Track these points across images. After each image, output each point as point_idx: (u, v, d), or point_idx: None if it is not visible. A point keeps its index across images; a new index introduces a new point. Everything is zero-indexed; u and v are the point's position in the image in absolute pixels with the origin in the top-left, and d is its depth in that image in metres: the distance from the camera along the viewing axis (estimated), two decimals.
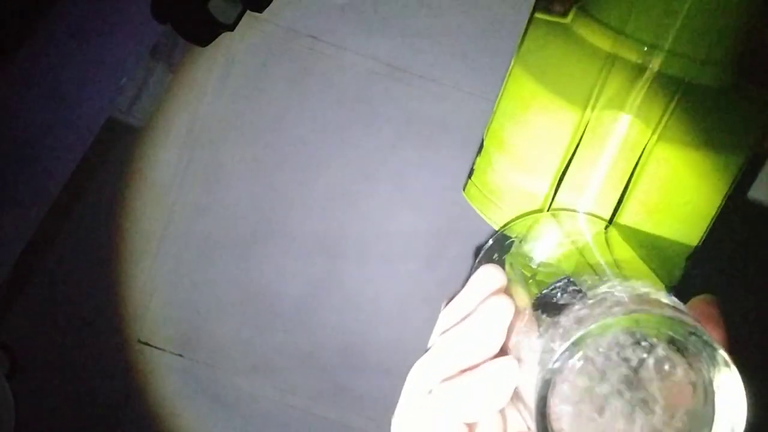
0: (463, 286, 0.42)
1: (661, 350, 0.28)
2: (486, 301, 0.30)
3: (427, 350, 0.32)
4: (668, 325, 0.27)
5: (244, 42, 1.00)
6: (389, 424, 1.04)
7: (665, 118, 0.42)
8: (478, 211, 0.53)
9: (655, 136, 0.43)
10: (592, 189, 0.44)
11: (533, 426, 0.27)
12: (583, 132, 0.43)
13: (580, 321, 0.27)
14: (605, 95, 0.43)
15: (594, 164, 0.44)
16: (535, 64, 0.47)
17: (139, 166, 0.99)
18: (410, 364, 1.04)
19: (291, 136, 0.99)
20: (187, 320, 0.99)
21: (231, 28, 0.96)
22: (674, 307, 0.28)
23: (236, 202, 0.99)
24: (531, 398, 0.27)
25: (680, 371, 0.28)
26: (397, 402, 1.01)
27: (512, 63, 0.50)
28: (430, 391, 0.30)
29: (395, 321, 0.98)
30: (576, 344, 0.26)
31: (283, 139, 0.99)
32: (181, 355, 0.99)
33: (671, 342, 0.27)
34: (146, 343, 0.99)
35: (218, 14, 0.93)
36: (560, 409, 0.27)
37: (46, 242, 0.97)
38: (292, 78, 1.00)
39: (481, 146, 0.52)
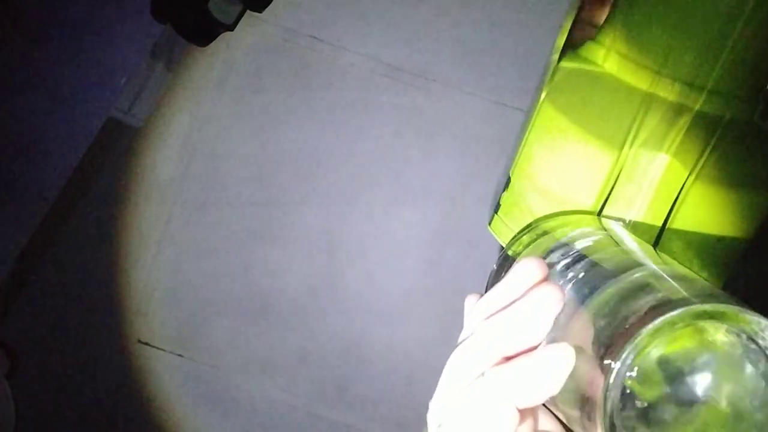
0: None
1: (734, 345, 0.27)
2: (536, 288, 0.30)
3: (459, 343, 0.32)
4: (738, 318, 0.26)
5: (244, 42, 1.00)
6: (390, 424, 1.04)
7: (703, 158, 0.42)
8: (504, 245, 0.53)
9: (693, 177, 0.42)
10: (629, 228, 0.44)
11: (598, 424, 0.26)
12: (620, 172, 0.43)
13: (643, 317, 0.26)
14: (642, 135, 0.42)
15: (630, 205, 0.43)
16: (568, 103, 0.46)
17: (139, 166, 0.99)
18: (409, 364, 1.04)
19: (291, 136, 0.99)
20: (187, 320, 0.99)
21: (231, 28, 0.96)
22: (739, 303, 0.27)
23: (235, 201, 0.99)
24: (595, 393, 0.27)
25: (752, 366, 0.27)
26: (397, 401, 1.01)
27: (540, 99, 0.49)
28: (482, 375, 0.29)
29: (395, 321, 0.98)
30: (644, 343, 0.26)
31: (283, 139, 0.99)
32: (181, 355, 0.99)
33: (742, 335, 0.27)
34: (146, 343, 0.99)
35: (218, 14, 0.93)
36: (628, 411, 0.27)
37: (46, 242, 0.97)
38: (292, 78, 1.00)
39: (508, 182, 0.52)
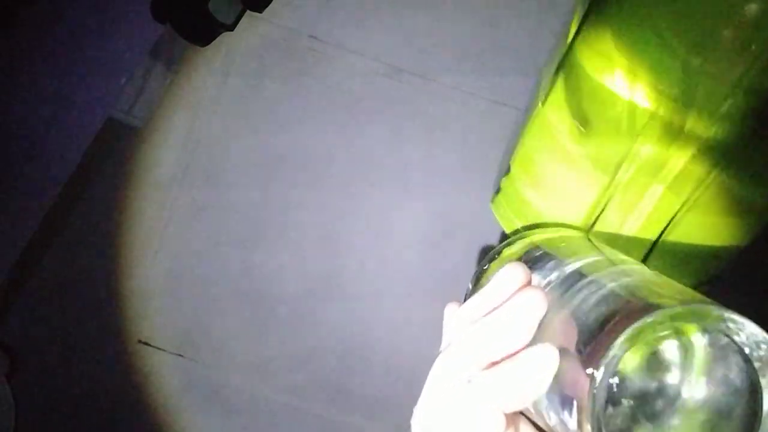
0: (469, 287, 0.42)
1: (713, 343, 0.28)
2: (520, 292, 0.30)
3: (442, 350, 0.32)
4: (715, 317, 0.26)
5: (244, 42, 1.00)
6: (390, 424, 1.04)
7: (699, 190, 0.40)
8: (503, 226, 0.53)
9: (686, 208, 0.41)
10: (618, 245, 0.43)
11: (584, 426, 0.27)
12: (612, 195, 0.42)
13: (624, 320, 0.27)
14: (638, 162, 0.41)
15: (620, 226, 0.43)
16: (564, 115, 0.44)
17: (139, 166, 0.99)
18: (410, 364, 1.04)
19: (291, 136, 0.99)
20: (187, 320, 0.99)
21: (231, 28, 0.96)
22: (715, 303, 0.27)
23: (236, 201, 0.99)
24: (579, 394, 0.27)
25: (730, 363, 0.28)
26: (397, 401, 1.00)
27: (539, 101, 0.48)
28: (468, 380, 0.29)
29: (395, 321, 0.98)
30: (626, 345, 0.26)
31: (283, 139, 0.99)
32: (181, 355, 0.98)
33: (720, 334, 0.27)
34: (146, 343, 0.99)
35: (218, 14, 0.93)
36: (613, 412, 0.27)
37: (46, 242, 0.97)
38: (292, 78, 1.00)
39: (508, 169, 0.52)
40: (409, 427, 0.34)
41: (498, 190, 0.54)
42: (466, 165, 0.98)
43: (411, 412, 0.35)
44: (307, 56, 0.99)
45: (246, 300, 0.99)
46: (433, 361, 0.33)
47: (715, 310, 0.26)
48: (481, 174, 0.99)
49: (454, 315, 0.33)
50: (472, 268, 0.97)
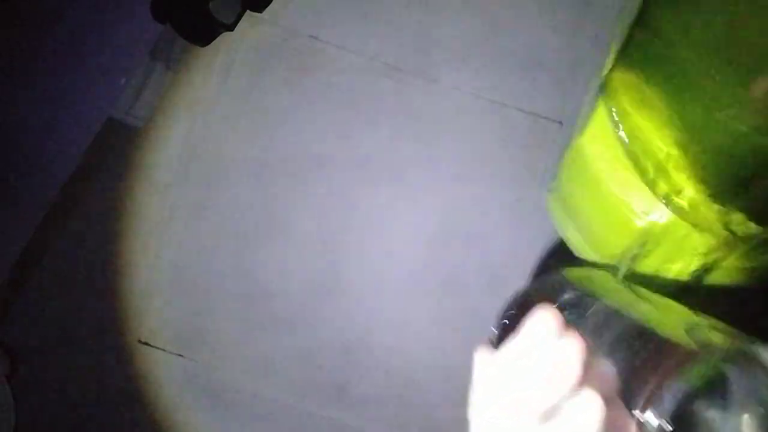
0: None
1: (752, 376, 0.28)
2: (559, 341, 0.30)
3: (476, 397, 0.31)
4: (747, 352, 0.28)
5: (244, 42, 1.00)
6: (390, 424, 1.04)
7: (741, 241, 0.41)
8: (555, 224, 0.54)
9: (725, 254, 0.41)
10: (655, 285, 0.43)
11: None
12: (648, 237, 0.42)
13: (664, 367, 0.28)
14: (675, 209, 0.41)
15: (657, 268, 0.43)
16: (602, 153, 0.45)
17: (139, 166, 0.99)
18: (410, 364, 1.04)
19: (291, 136, 0.99)
20: (187, 320, 0.99)
21: (231, 28, 0.96)
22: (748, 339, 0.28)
23: (236, 201, 0.99)
24: None
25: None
26: (397, 401, 1.00)
27: (577, 132, 0.48)
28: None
29: (395, 321, 0.98)
30: (673, 386, 0.27)
31: (283, 139, 0.99)
32: (181, 355, 0.98)
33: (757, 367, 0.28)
34: (146, 343, 0.98)
35: (218, 14, 0.93)
36: None
37: (46, 242, 0.97)
38: (292, 78, 1.00)
39: (556, 175, 0.52)
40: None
41: (550, 190, 0.56)
42: (466, 165, 0.98)
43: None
44: (307, 56, 0.99)
45: (246, 300, 0.99)
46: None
47: (751, 346, 0.28)
48: (481, 174, 0.99)
49: (487, 362, 0.32)
50: (472, 268, 0.97)
